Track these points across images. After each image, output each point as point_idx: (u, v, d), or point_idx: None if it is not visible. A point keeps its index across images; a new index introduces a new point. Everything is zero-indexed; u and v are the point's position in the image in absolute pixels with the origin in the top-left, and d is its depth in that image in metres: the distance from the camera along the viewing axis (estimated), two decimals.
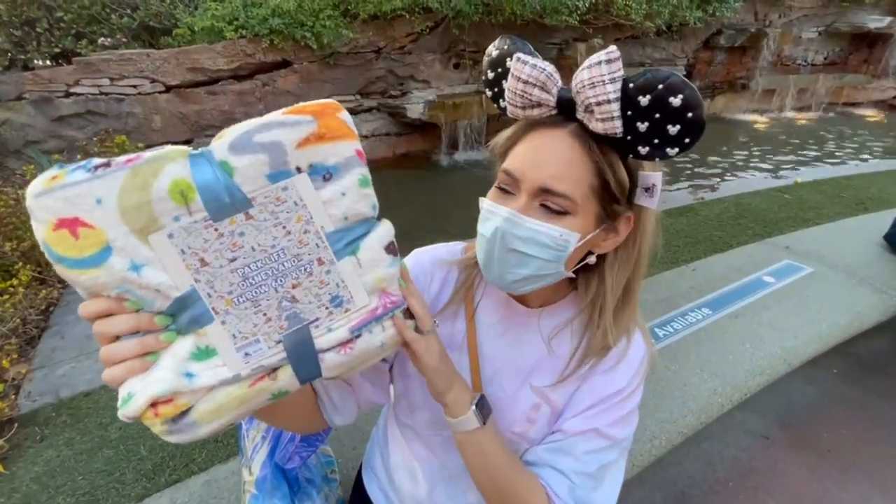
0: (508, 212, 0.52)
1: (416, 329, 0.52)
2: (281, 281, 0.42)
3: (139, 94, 3.90)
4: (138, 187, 0.36)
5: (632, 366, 0.61)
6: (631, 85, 0.45)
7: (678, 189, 4.20)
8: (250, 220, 0.40)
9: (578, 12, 5.01)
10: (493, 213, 0.54)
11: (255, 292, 0.41)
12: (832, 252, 2.35)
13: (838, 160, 5.42)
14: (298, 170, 0.41)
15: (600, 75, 0.44)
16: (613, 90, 0.44)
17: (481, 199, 0.57)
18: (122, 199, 0.35)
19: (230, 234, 0.39)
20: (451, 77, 5.35)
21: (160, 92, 3.99)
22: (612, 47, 0.44)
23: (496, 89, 0.55)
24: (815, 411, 1.83)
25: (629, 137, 0.47)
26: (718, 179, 4.62)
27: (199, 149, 0.39)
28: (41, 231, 0.35)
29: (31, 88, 3.58)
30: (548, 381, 0.62)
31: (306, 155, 0.41)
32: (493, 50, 0.55)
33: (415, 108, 4.92)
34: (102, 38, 4.05)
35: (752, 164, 5.23)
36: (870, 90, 8.13)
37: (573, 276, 0.57)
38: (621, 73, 0.44)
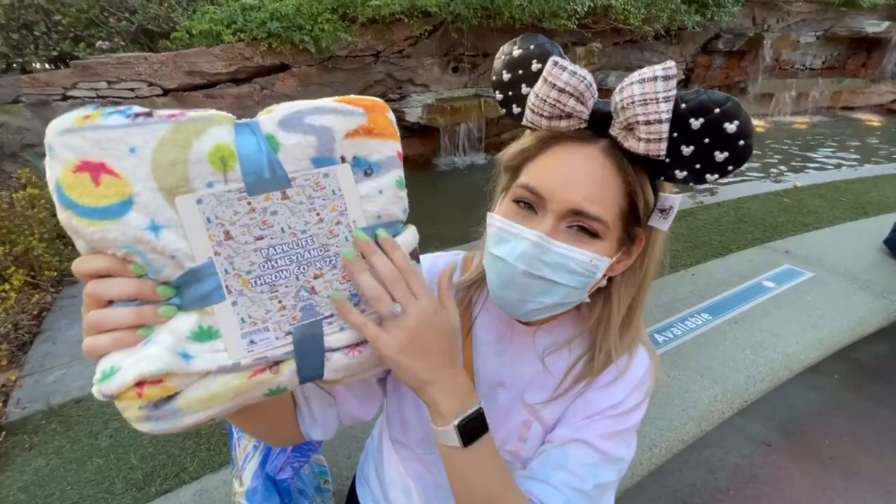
0: (537, 235, 0.47)
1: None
2: (304, 269, 0.40)
3: (137, 97, 3.90)
4: (179, 144, 0.34)
5: (630, 382, 0.58)
6: (683, 105, 0.42)
7: (677, 193, 4.19)
8: (286, 201, 0.38)
9: (577, 16, 5.02)
10: (513, 234, 0.49)
11: (276, 276, 0.39)
12: (832, 257, 2.33)
13: (837, 164, 5.43)
14: (342, 159, 0.40)
15: (654, 92, 0.41)
16: (666, 109, 0.41)
17: (490, 214, 0.53)
18: (158, 152, 0.33)
19: (262, 210, 0.38)
20: (449, 81, 5.36)
21: (158, 95, 3.98)
22: (670, 63, 0.41)
23: (510, 93, 0.50)
24: (817, 418, 1.81)
25: (668, 160, 0.44)
26: (718, 183, 4.61)
27: (245, 119, 0.37)
28: (57, 170, 0.32)
29: (28, 91, 3.57)
30: (540, 397, 0.60)
31: (353, 146, 0.40)
32: (513, 49, 0.49)
33: (413, 112, 4.92)
34: (100, 42, 4.04)
35: (751, 168, 5.23)
36: (868, 94, 8.15)
37: (589, 300, 0.54)
38: (675, 91, 0.42)
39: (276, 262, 0.39)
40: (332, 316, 0.43)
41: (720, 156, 0.42)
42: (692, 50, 6.93)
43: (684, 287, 2.11)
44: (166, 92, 4.00)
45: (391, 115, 0.42)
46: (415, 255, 0.46)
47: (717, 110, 0.41)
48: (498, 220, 0.52)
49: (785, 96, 7.55)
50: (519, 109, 0.50)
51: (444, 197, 4.53)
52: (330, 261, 0.41)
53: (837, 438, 1.71)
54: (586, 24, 5.33)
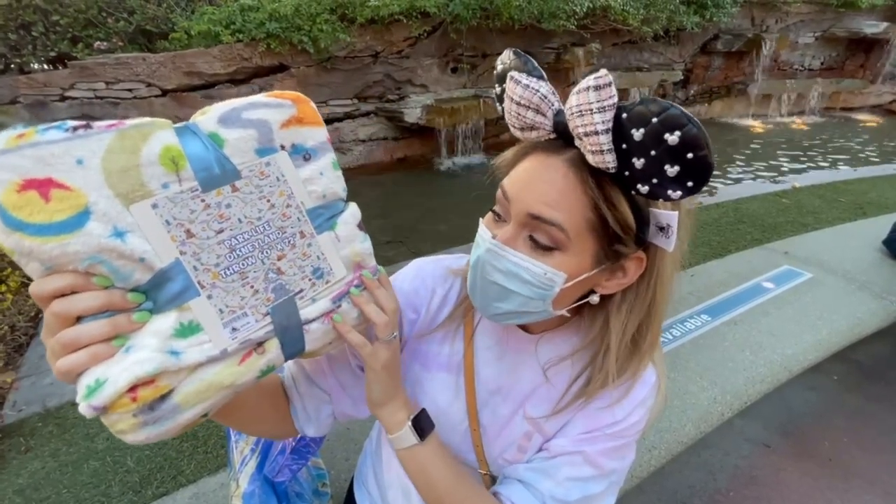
0: (492, 241, 0.49)
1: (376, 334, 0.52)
2: (267, 253, 0.43)
3: (135, 98, 3.89)
4: (127, 150, 0.34)
5: (634, 401, 0.57)
6: (624, 115, 0.40)
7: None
8: (236, 192, 0.40)
9: (576, 17, 5.02)
10: (481, 239, 0.52)
11: (243, 264, 0.41)
12: (831, 257, 2.33)
13: (836, 165, 5.44)
14: (283, 147, 0.43)
15: (588, 103, 0.40)
16: (602, 120, 0.39)
17: (481, 220, 0.55)
18: (107, 160, 0.34)
19: (217, 205, 0.39)
20: (448, 81, 5.36)
21: (156, 96, 3.98)
22: (603, 71, 0.39)
23: (503, 105, 0.52)
24: (816, 419, 1.81)
25: (627, 173, 0.42)
26: (717, 184, 4.63)
27: (181, 123, 0.39)
28: None
29: (26, 92, 3.57)
30: (542, 411, 0.59)
31: (289, 135, 0.43)
32: (498, 64, 0.52)
33: (412, 113, 4.92)
34: (98, 42, 4.04)
35: (749, 169, 5.24)
36: (866, 95, 8.17)
37: (568, 315, 0.53)
38: (613, 100, 0.39)
39: (241, 251, 0.41)
40: (301, 291, 0.45)
41: (671, 170, 0.38)
42: (691, 51, 6.94)
43: (683, 288, 2.11)
44: (164, 93, 4.00)
45: (314, 106, 0.46)
46: (361, 227, 0.50)
47: (654, 120, 0.38)
48: (479, 227, 0.54)
49: (783, 97, 7.56)
50: None
51: (444, 197, 4.52)
52: (289, 241, 0.44)
53: (837, 439, 1.71)
54: (585, 24, 5.33)
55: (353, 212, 0.49)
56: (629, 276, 0.50)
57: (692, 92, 7.33)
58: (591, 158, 0.43)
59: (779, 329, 1.77)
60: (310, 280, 0.46)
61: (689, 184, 0.39)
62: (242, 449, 0.90)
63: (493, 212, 0.53)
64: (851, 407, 1.87)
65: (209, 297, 0.39)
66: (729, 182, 4.73)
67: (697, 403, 1.43)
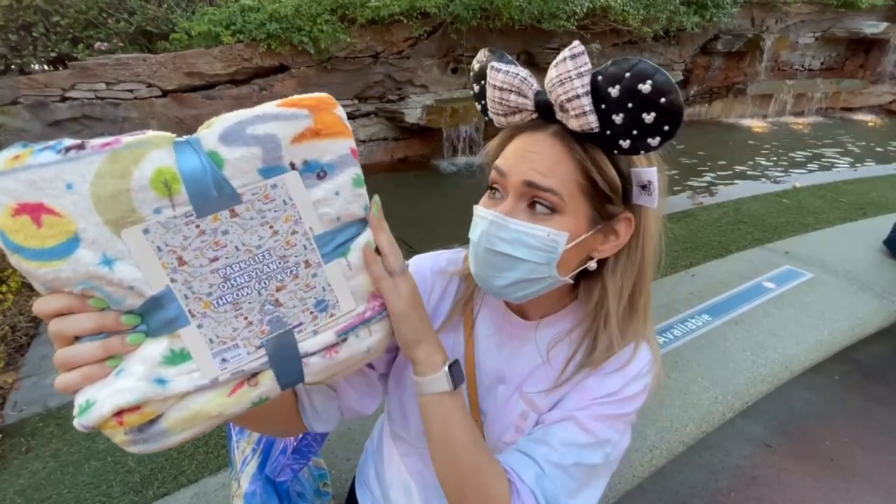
0: (494, 214, 0.52)
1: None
2: (265, 283, 0.40)
3: (135, 98, 3.90)
4: (117, 174, 0.33)
5: (628, 374, 0.58)
6: (599, 77, 0.44)
7: (677, 194, 4.20)
8: (235, 218, 0.37)
9: (576, 18, 5.03)
10: (480, 217, 0.54)
11: (237, 295, 0.39)
12: (832, 257, 2.33)
13: (836, 165, 5.44)
14: (292, 166, 0.39)
15: (566, 71, 0.44)
16: (581, 84, 0.44)
17: (475, 206, 0.56)
18: (96, 185, 0.32)
19: (213, 231, 0.37)
20: (449, 82, 5.36)
21: (156, 96, 3.98)
22: (576, 42, 0.44)
23: (483, 101, 0.56)
24: (818, 419, 1.81)
25: (608, 132, 0.46)
26: (717, 184, 4.63)
27: (185, 136, 0.36)
28: None
29: (26, 93, 3.57)
30: (539, 387, 0.60)
31: (301, 151, 0.39)
32: (475, 63, 0.55)
33: (413, 113, 4.92)
34: (99, 43, 4.05)
35: (750, 169, 5.25)
36: (866, 95, 8.17)
37: (572, 282, 0.55)
38: (588, 66, 0.44)
39: (236, 281, 0.39)
40: (300, 325, 0.42)
41: (648, 117, 0.43)
42: (691, 51, 6.94)
43: (684, 288, 2.11)
44: (165, 93, 4.00)
45: (340, 111, 0.41)
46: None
47: (627, 74, 0.42)
48: (475, 210, 0.56)
49: (784, 97, 7.56)
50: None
51: (445, 197, 4.53)
52: (291, 271, 0.41)
53: (838, 439, 1.71)
54: (585, 25, 5.33)
55: (369, 235, 0.45)
56: (621, 237, 0.53)
57: (692, 92, 7.33)
58: (575, 123, 0.46)
59: (780, 329, 1.77)
60: (311, 313, 0.43)
61: (666, 128, 0.43)
62: (244, 449, 0.90)
63: (491, 188, 0.55)
64: (852, 407, 1.86)
65: (199, 326, 0.38)
66: (729, 182, 4.73)
67: (698, 403, 1.43)
